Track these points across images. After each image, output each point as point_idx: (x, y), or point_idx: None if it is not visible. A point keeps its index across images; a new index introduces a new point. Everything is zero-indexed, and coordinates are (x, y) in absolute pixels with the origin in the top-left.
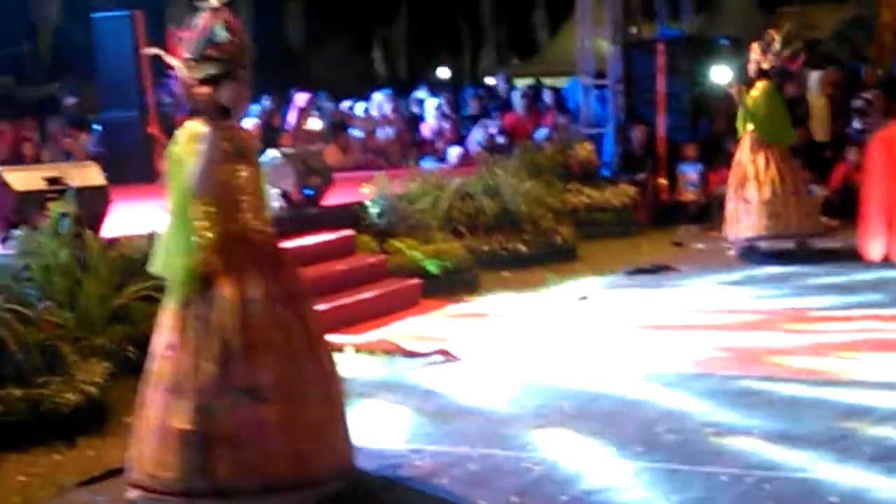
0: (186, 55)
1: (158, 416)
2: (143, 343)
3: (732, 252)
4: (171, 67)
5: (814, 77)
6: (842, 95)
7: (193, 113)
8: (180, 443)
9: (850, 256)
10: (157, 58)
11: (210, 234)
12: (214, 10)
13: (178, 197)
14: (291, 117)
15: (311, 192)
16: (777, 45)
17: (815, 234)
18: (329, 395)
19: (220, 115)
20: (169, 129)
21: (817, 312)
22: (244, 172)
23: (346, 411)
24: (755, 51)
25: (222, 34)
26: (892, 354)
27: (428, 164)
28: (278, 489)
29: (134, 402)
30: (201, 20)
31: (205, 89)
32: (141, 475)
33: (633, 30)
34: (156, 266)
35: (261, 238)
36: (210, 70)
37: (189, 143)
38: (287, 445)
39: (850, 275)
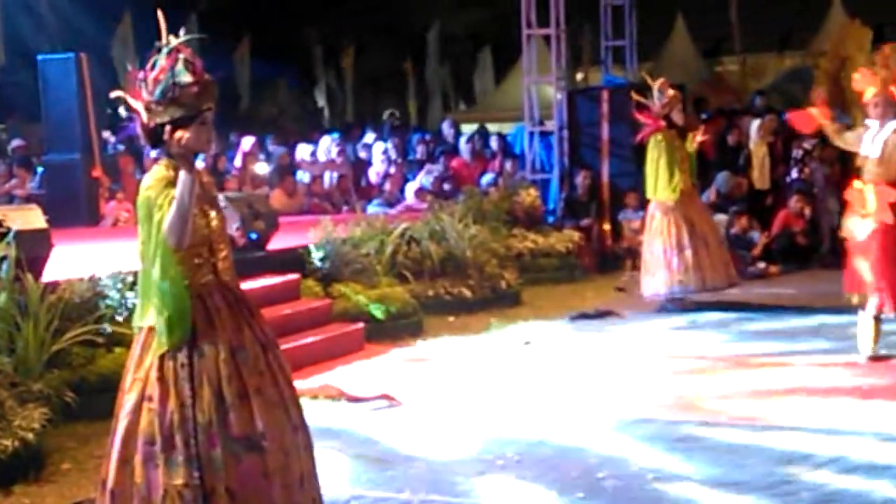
0: (149, 97)
1: (143, 473)
2: (81, 388)
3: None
4: (133, 110)
5: (754, 125)
6: (781, 143)
7: (160, 156)
8: (175, 500)
9: (794, 302)
10: (112, 100)
11: (191, 282)
12: (177, 50)
13: (157, 245)
14: (237, 161)
15: (255, 236)
16: (657, 94)
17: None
18: (308, 443)
19: (186, 158)
20: (113, 173)
21: (758, 358)
22: (215, 221)
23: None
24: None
25: (186, 75)
26: (829, 399)
27: (375, 208)
28: None
29: (73, 448)
30: (163, 61)
31: (174, 132)
32: None
33: (580, 76)
34: (142, 318)
35: (234, 285)
36: (175, 113)
37: (163, 188)
38: (283, 497)
39: (792, 320)
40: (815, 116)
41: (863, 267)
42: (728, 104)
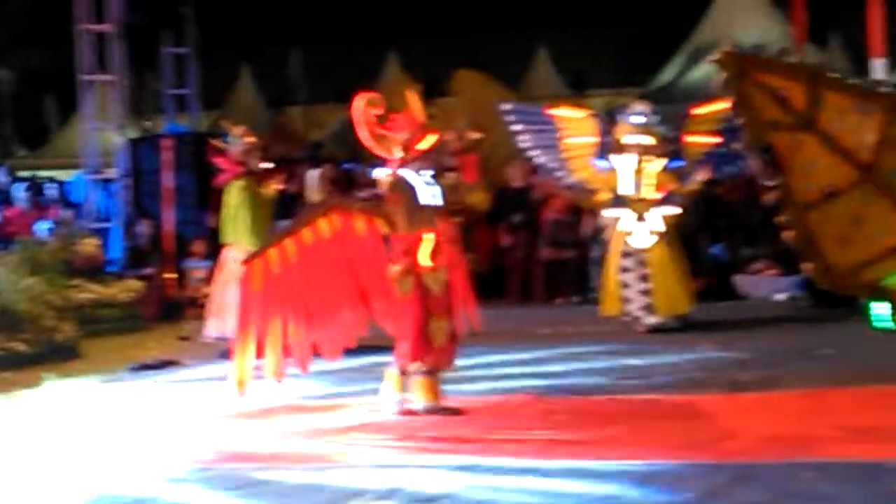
0: None
1: None
2: None
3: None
4: None
5: (312, 175)
6: (339, 193)
7: None
8: None
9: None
10: None
11: None
12: None
13: None
14: None
15: None
16: (236, 140)
17: None
18: None
19: None
20: None
21: (316, 400)
22: None
23: None
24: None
25: None
26: (379, 435)
27: None
28: None
29: None
30: None
31: None
32: None
33: (146, 123)
34: None
35: None
36: None
37: None
38: None
39: (351, 360)
40: None
41: (440, 326)
42: (291, 153)
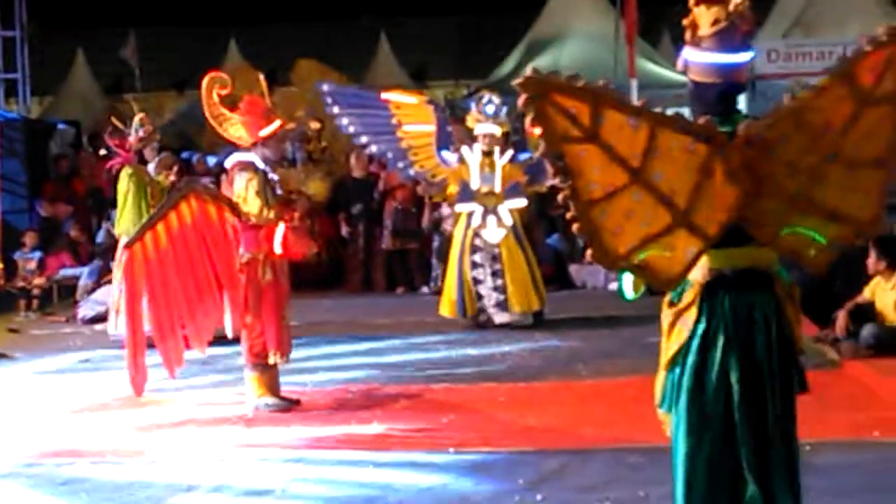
0: None
1: None
2: None
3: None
4: None
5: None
6: (178, 181)
7: None
8: None
9: None
10: None
11: None
12: None
13: None
14: None
15: None
16: (136, 126)
17: None
18: None
19: None
20: None
21: (148, 395)
22: None
23: None
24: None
25: None
26: (215, 429)
27: None
28: None
29: None
30: None
31: None
32: None
33: None
34: None
35: None
36: None
37: None
38: None
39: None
40: None
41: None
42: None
